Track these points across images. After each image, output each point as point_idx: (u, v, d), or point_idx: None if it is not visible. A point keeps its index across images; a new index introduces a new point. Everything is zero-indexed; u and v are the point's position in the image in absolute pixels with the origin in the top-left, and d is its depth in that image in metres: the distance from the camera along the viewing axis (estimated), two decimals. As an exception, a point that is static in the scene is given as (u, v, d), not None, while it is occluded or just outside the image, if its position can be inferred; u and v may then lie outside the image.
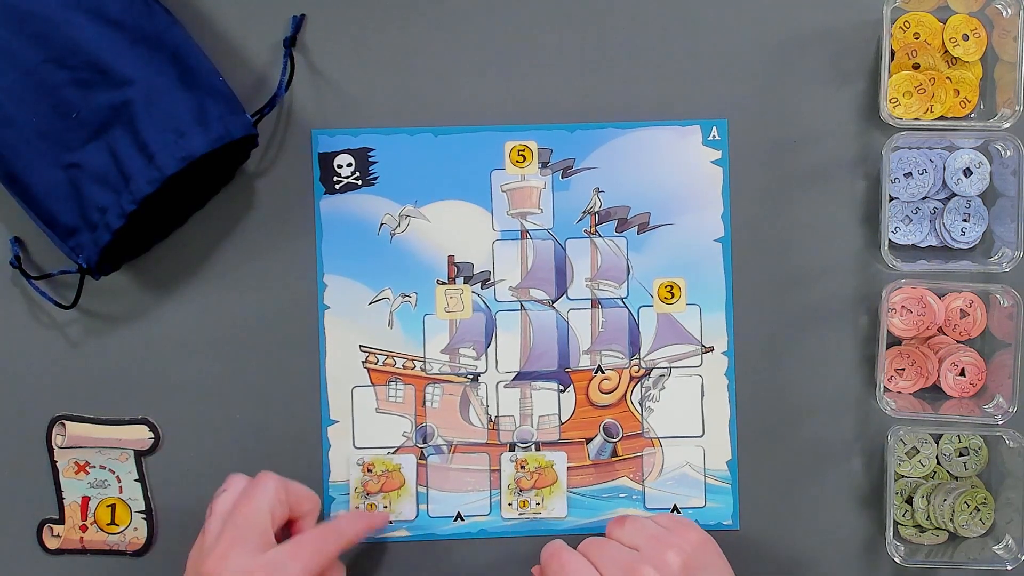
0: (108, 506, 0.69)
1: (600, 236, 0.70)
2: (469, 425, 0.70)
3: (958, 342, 0.69)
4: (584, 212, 0.70)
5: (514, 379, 0.70)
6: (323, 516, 0.69)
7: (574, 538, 0.69)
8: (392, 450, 0.70)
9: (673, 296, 0.70)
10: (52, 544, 0.69)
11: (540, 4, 0.69)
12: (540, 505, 0.69)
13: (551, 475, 0.69)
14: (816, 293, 0.69)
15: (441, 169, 0.69)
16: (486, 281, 0.70)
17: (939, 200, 0.69)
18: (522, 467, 0.69)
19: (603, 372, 0.70)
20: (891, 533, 0.67)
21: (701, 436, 0.70)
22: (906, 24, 0.68)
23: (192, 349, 0.69)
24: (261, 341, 0.69)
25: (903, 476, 0.69)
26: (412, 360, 0.70)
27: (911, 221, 0.69)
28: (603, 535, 0.64)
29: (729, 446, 0.69)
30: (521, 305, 0.70)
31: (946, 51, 0.69)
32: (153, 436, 0.69)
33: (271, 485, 0.62)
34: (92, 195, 0.61)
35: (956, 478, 0.70)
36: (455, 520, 0.70)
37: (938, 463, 0.70)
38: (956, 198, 0.69)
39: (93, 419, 0.69)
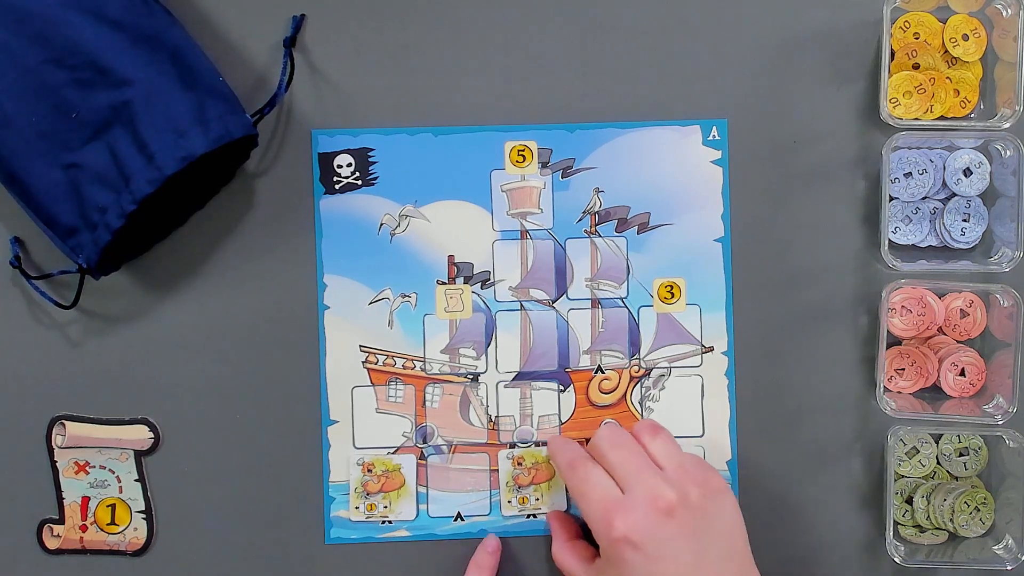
0: (108, 506, 0.69)
1: (600, 236, 0.70)
2: (469, 425, 0.70)
3: (958, 342, 0.69)
4: (584, 212, 0.70)
5: (514, 379, 0.70)
6: (326, 518, 0.69)
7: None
8: (392, 450, 0.70)
9: (673, 296, 0.70)
10: (52, 544, 0.69)
11: (540, 4, 0.69)
12: (540, 500, 0.69)
13: (549, 470, 0.69)
14: (816, 293, 0.69)
15: (441, 169, 0.69)
16: (486, 281, 0.70)
17: (939, 200, 0.69)
18: (519, 464, 0.69)
19: (603, 372, 0.70)
20: (891, 533, 0.67)
21: (701, 436, 0.70)
22: (906, 24, 0.68)
23: (192, 349, 0.69)
24: (261, 341, 0.69)
25: (903, 476, 0.69)
26: (412, 360, 0.70)
27: (911, 221, 0.69)
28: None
29: (729, 446, 0.69)
30: (521, 305, 0.70)
31: (946, 51, 0.69)
32: (153, 436, 0.69)
33: None
34: (92, 195, 0.61)
35: (956, 478, 0.70)
36: (455, 520, 0.70)
37: (938, 463, 0.70)
38: (956, 198, 0.69)
39: (93, 419, 0.69)
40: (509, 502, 0.69)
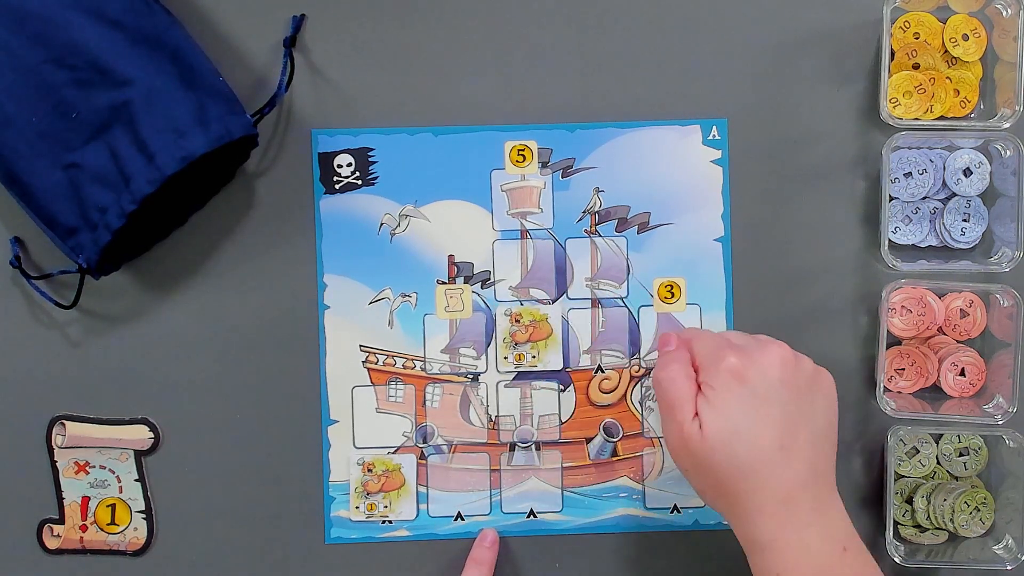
0: (108, 506, 0.69)
1: (600, 236, 0.70)
2: (469, 425, 0.70)
3: (958, 342, 0.69)
4: (584, 212, 0.70)
5: (514, 379, 0.70)
6: (326, 518, 0.69)
7: (573, 538, 0.70)
8: (392, 450, 0.70)
9: (673, 296, 0.70)
10: (52, 544, 0.69)
11: (540, 4, 0.69)
12: (536, 358, 0.69)
13: (546, 328, 0.69)
14: (816, 293, 0.69)
15: (441, 169, 0.69)
16: (486, 281, 0.70)
17: (939, 200, 0.69)
18: (517, 321, 0.69)
19: (603, 372, 0.70)
20: (891, 533, 0.67)
21: (701, 436, 0.69)
22: (906, 24, 0.68)
23: (192, 349, 0.69)
24: (261, 341, 0.69)
25: (903, 476, 0.69)
26: (412, 360, 0.70)
27: (911, 221, 0.69)
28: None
29: (729, 446, 0.69)
30: (521, 305, 0.70)
31: (946, 51, 0.69)
32: (153, 436, 0.69)
33: None
34: (92, 195, 0.61)
35: (956, 478, 0.70)
36: (455, 520, 0.70)
37: (938, 463, 0.70)
38: (956, 198, 0.69)
39: (93, 419, 0.69)
40: (505, 358, 0.69)
